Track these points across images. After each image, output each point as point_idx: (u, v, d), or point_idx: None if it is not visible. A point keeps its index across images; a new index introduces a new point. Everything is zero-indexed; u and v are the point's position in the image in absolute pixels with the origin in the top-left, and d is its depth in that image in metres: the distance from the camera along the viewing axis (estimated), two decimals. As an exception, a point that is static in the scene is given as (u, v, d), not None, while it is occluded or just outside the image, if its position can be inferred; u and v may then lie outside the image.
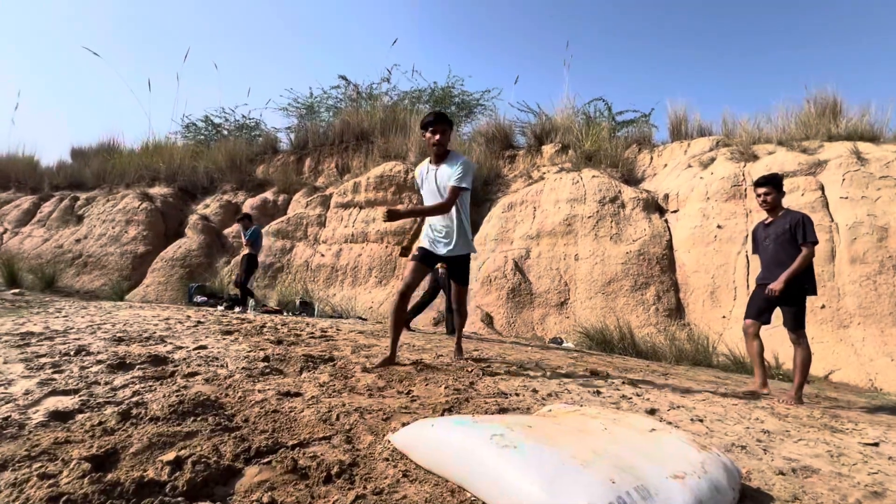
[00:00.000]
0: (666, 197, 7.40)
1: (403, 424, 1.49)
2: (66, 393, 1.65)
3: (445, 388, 2.14)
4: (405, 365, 2.72)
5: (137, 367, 2.15)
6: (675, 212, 7.25)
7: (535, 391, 2.27)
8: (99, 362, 2.20)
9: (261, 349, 2.88)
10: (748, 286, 5.91)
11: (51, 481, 0.94)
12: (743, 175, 6.81)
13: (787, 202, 5.98)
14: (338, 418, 1.55)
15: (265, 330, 3.96)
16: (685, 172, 7.48)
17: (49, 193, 11.70)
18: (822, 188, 6.17)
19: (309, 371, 2.35)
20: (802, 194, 6.15)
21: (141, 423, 1.33)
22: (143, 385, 1.79)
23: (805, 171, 6.39)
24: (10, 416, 1.32)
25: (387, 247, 8.36)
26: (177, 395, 1.65)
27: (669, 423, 1.95)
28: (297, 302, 7.11)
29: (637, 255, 6.74)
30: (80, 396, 1.61)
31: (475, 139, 10.02)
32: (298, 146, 11.34)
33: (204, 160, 11.23)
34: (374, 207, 8.74)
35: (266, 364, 2.36)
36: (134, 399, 1.62)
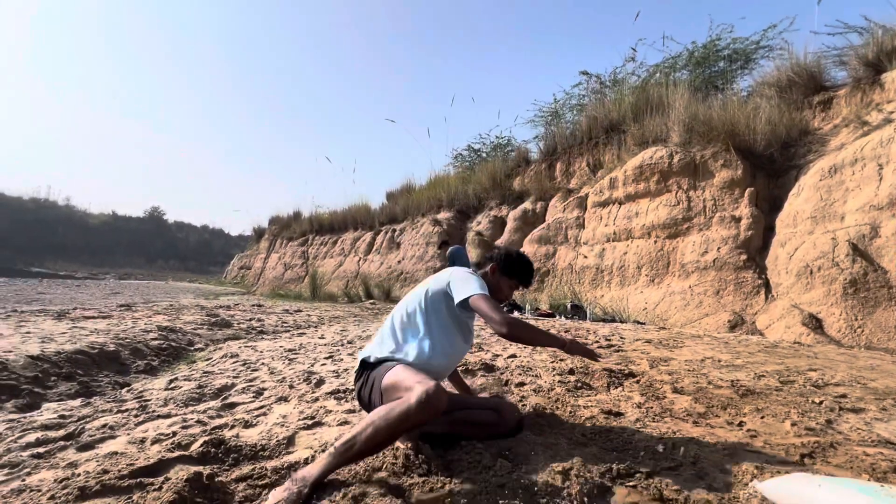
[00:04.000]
0: None
1: (757, 468, 1.39)
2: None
3: (792, 424, 1.84)
4: (720, 387, 2.47)
5: (479, 373, 2.78)
6: None
7: (946, 444, 1.67)
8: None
9: (560, 359, 3.20)
10: None
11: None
12: None
13: None
14: (674, 447, 1.58)
15: (554, 337, 4.35)
16: None
17: (379, 229, 16.22)
18: None
19: (616, 388, 2.46)
20: None
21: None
22: (498, 389, 2.32)
23: None
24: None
25: (655, 242, 7.70)
26: (522, 403, 2.06)
27: None
28: (569, 305, 7.42)
29: None
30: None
31: (760, 93, 8.02)
32: (548, 153, 11.84)
33: (471, 184, 13.20)
34: (636, 201, 8.21)
35: (574, 378, 2.61)
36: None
